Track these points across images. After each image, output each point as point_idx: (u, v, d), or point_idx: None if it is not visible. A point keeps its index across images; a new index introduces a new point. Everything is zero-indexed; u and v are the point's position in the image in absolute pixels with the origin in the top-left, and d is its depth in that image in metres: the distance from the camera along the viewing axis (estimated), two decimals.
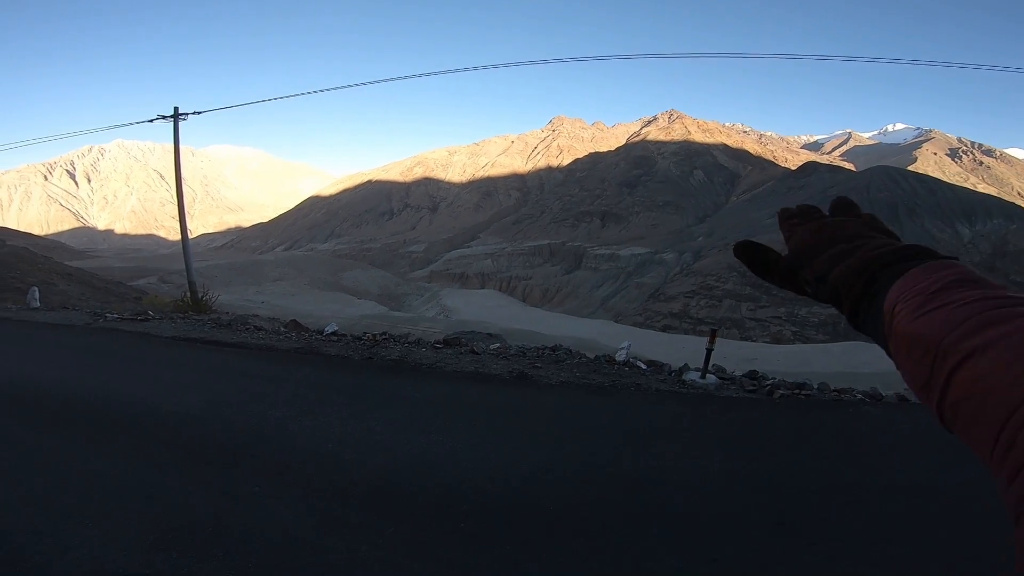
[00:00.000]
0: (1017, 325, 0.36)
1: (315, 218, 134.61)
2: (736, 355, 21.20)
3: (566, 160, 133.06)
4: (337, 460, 3.98)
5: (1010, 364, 0.34)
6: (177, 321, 10.02)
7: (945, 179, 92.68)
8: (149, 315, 10.62)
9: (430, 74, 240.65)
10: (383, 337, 8.58)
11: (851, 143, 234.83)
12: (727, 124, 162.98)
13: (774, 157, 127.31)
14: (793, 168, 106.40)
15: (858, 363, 21.70)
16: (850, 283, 0.51)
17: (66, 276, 25.00)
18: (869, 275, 0.50)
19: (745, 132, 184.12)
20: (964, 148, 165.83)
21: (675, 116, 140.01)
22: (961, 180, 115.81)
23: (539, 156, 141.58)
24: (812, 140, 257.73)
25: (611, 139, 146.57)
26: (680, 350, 16.90)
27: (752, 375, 6.84)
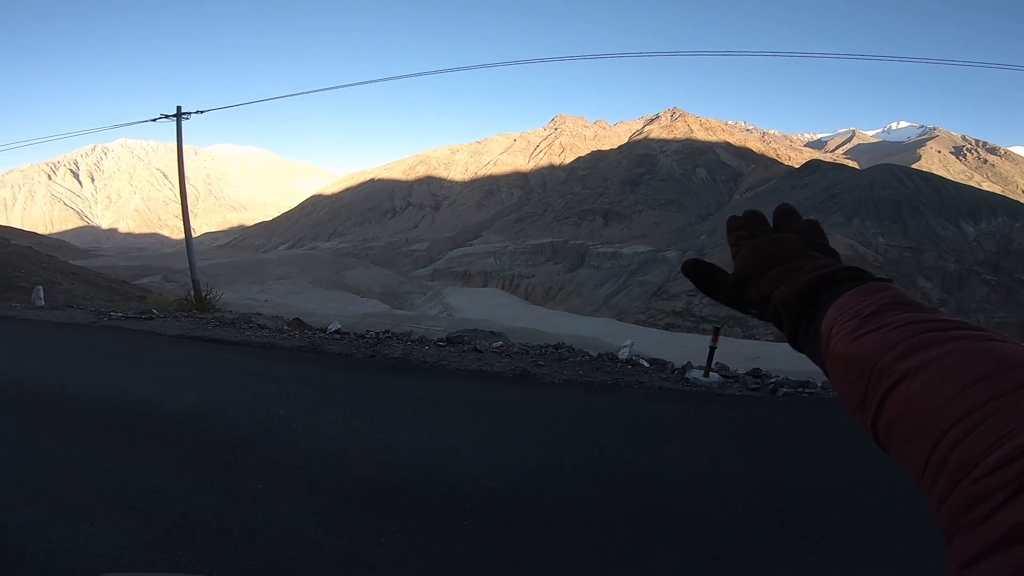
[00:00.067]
0: (948, 348, 0.37)
1: (318, 217, 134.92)
2: (739, 353, 21.14)
3: (568, 158, 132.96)
4: (340, 458, 3.99)
5: (939, 387, 0.35)
6: (181, 319, 10.06)
7: (949, 177, 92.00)
8: (153, 314, 10.66)
9: (432, 73, 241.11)
10: (386, 335, 8.60)
11: (855, 141, 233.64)
12: (730, 122, 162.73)
13: (777, 155, 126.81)
14: (796, 166, 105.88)
15: None
16: (789, 305, 0.53)
17: (70, 275, 25.08)
18: (807, 298, 0.52)
19: (748, 130, 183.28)
20: (968, 146, 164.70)
21: (678, 114, 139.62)
22: (965, 178, 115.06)
23: (541, 154, 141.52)
24: (815, 138, 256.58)
25: (613, 137, 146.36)
26: (683, 348, 16.87)
27: (755, 373, 6.85)
